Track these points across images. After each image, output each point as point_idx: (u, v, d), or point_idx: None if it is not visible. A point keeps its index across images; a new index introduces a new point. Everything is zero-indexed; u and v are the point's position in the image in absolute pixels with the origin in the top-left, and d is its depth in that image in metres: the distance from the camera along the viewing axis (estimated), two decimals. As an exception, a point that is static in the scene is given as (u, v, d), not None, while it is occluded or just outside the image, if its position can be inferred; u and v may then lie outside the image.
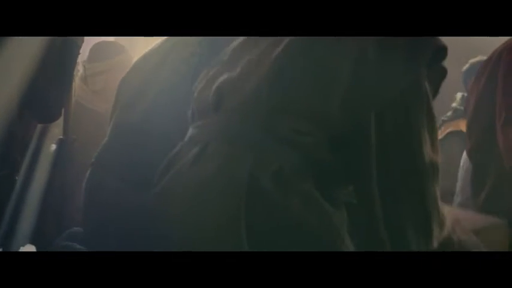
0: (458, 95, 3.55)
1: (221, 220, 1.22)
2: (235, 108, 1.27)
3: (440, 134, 3.33)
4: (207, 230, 1.23)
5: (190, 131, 1.34)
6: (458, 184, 2.92)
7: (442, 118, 3.50)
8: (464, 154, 2.80)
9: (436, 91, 1.34)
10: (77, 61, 2.61)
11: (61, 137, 2.65)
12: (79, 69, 3.21)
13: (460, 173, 2.90)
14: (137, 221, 1.52)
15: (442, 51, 1.29)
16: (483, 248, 1.46)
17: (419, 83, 1.25)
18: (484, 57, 2.70)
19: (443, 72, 1.33)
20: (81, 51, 2.39)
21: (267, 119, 1.24)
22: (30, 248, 2.53)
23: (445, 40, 1.32)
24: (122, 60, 3.19)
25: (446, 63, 1.34)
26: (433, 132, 1.28)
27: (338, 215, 1.24)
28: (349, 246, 1.24)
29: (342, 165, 1.24)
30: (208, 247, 1.22)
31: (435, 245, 1.29)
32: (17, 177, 2.28)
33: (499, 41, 2.50)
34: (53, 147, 2.66)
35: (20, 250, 2.46)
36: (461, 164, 2.91)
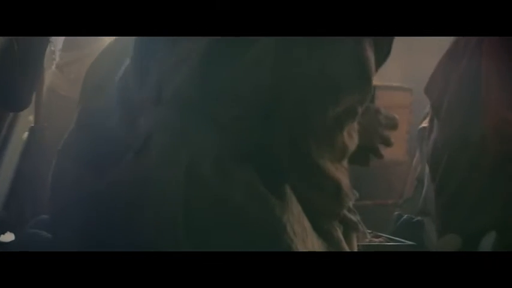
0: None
1: (160, 214, 1.22)
2: (173, 98, 1.28)
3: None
4: (146, 225, 1.23)
5: (139, 122, 1.34)
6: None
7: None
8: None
9: (387, 51, 1.34)
10: (52, 49, 2.62)
11: (32, 125, 2.67)
12: (54, 58, 3.22)
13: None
14: (99, 209, 1.53)
15: None
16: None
17: (356, 47, 1.25)
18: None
19: None
20: (52, 39, 2.40)
21: (204, 107, 1.25)
22: (10, 236, 2.54)
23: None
24: (97, 48, 3.19)
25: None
26: (363, 87, 1.28)
27: (280, 203, 1.23)
28: (292, 235, 1.23)
29: (280, 150, 1.24)
30: (147, 243, 1.23)
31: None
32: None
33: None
34: (26, 135, 2.67)
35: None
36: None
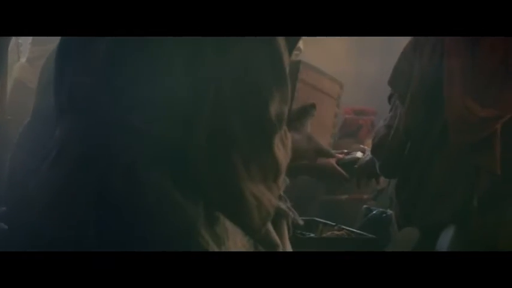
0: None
1: (72, 216, 1.22)
2: (84, 106, 1.26)
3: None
4: (61, 225, 1.23)
5: (56, 131, 1.32)
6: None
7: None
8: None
9: (295, 42, 1.33)
10: (19, 42, 2.62)
11: (-4, 118, 2.67)
12: (21, 50, 3.24)
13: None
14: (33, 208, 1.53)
15: None
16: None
17: (271, 43, 1.24)
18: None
19: None
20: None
21: (115, 113, 1.23)
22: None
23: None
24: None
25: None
26: (282, 84, 1.25)
27: (193, 207, 1.22)
28: (207, 238, 1.22)
29: (198, 161, 1.22)
30: (61, 244, 1.22)
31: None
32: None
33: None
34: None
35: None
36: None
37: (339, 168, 2.32)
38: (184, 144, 1.21)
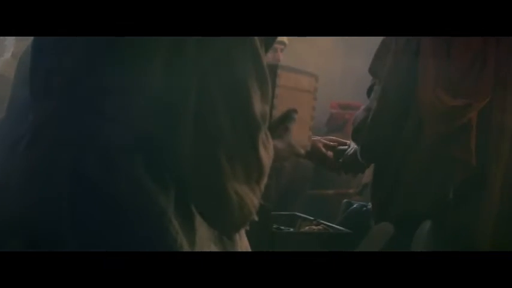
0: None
1: (43, 209, 1.22)
2: (61, 90, 1.27)
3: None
4: (29, 220, 1.22)
5: (29, 115, 1.33)
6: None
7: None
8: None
9: (271, 41, 1.36)
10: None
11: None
12: (6, 45, 3.25)
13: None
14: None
15: None
16: None
17: (252, 44, 1.25)
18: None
19: None
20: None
21: (90, 98, 1.24)
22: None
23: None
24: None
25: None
26: (263, 82, 1.27)
27: (164, 194, 1.23)
28: (176, 225, 1.23)
29: (171, 141, 1.24)
30: (32, 242, 1.22)
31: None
32: None
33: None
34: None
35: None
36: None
37: (323, 150, 2.34)
38: (164, 134, 1.23)
